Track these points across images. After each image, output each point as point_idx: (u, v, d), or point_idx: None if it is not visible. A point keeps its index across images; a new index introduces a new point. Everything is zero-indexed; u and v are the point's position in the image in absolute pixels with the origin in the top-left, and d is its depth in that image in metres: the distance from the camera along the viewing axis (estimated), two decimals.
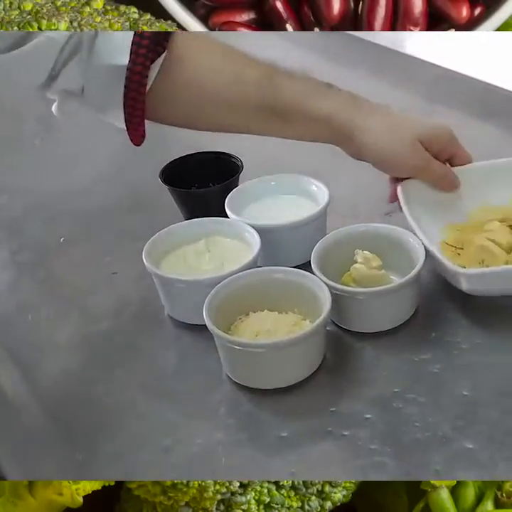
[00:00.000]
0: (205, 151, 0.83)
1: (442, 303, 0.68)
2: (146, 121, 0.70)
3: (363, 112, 0.70)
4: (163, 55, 0.68)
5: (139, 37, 0.66)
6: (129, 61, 0.66)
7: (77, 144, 0.99)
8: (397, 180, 0.74)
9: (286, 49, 1.20)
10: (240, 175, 0.79)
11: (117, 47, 0.66)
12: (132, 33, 0.67)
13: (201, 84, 0.70)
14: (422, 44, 1.11)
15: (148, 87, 0.68)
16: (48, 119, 1.03)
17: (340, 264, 0.67)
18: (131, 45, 0.66)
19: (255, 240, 0.68)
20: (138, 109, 0.68)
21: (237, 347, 0.60)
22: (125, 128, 0.70)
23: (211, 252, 0.69)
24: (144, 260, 0.67)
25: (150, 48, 0.67)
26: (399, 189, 0.72)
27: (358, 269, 0.66)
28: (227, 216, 0.73)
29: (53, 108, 0.72)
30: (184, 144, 0.88)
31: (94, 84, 0.68)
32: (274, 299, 0.65)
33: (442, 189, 0.73)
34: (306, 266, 0.67)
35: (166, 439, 0.58)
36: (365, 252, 0.67)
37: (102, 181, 0.90)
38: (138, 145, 0.73)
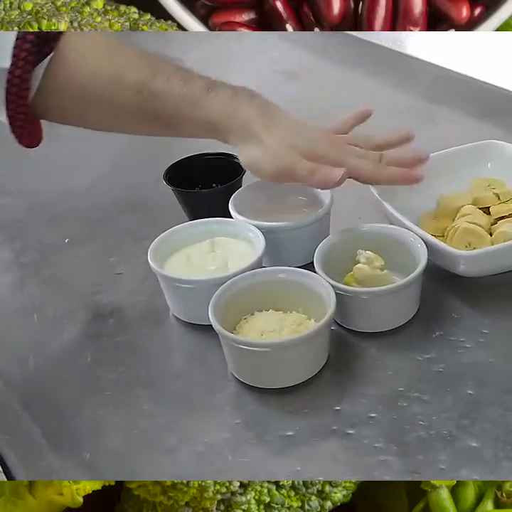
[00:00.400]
0: (208, 152, 0.83)
1: (445, 302, 0.68)
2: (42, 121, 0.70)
3: (239, 116, 0.69)
4: (50, 56, 0.67)
5: (21, 40, 0.65)
6: (11, 64, 0.65)
7: (79, 145, 0.99)
8: None
9: (286, 49, 1.21)
10: (244, 176, 0.79)
11: (1, 48, 0.65)
12: (15, 34, 0.65)
13: (82, 86, 0.69)
14: (422, 44, 1.12)
15: (33, 90, 0.67)
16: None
17: (343, 265, 0.68)
18: (13, 48, 0.65)
19: (260, 241, 0.68)
20: (20, 113, 0.68)
21: (243, 346, 0.60)
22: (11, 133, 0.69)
23: (216, 253, 0.70)
24: (149, 260, 0.68)
25: (31, 51, 0.66)
26: (372, 189, 0.72)
27: (361, 269, 0.66)
28: (231, 217, 0.73)
29: None
30: (188, 145, 0.88)
31: None
32: (279, 299, 0.65)
33: (314, 186, 0.71)
34: (309, 266, 0.67)
35: (171, 439, 0.59)
36: (367, 252, 0.67)
37: (106, 182, 0.91)
38: (29, 147, 0.72)
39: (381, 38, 1.14)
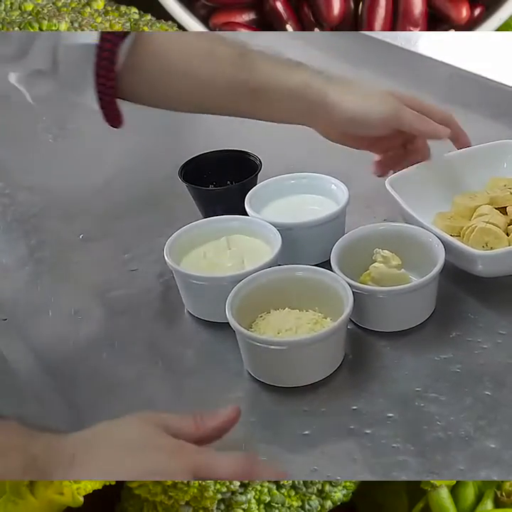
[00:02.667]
0: (224, 149, 0.83)
1: (462, 302, 0.68)
2: (126, 104, 0.70)
3: (334, 81, 0.71)
4: (134, 35, 0.67)
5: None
6: (99, 39, 0.66)
7: (95, 142, 0.99)
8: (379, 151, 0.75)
9: (299, 49, 1.20)
10: (259, 174, 0.79)
11: (85, 33, 0.67)
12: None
13: (171, 62, 0.69)
14: (435, 44, 1.11)
15: (119, 65, 0.67)
16: (60, 118, 1.04)
17: (360, 263, 0.67)
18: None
19: (276, 239, 0.68)
20: (109, 87, 0.68)
21: (260, 344, 0.60)
22: (100, 108, 0.69)
23: (232, 250, 0.69)
24: (165, 257, 0.68)
25: (117, 32, 0.66)
26: (387, 184, 0.72)
27: (378, 268, 0.66)
28: (245, 214, 0.73)
29: (25, 92, 0.71)
30: (203, 142, 0.89)
31: (66, 64, 0.67)
32: (296, 297, 0.65)
33: (422, 134, 0.72)
34: (325, 264, 0.67)
35: None
36: (384, 251, 0.67)
37: (121, 178, 0.91)
38: (115, 127, 0.72)
39: (395, 37, 1.14)
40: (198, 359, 0.66)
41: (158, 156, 0.92)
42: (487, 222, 0.69)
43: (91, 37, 0.66)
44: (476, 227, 0.69)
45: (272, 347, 0.60)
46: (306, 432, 0.58)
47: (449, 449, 0.55)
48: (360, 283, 0.65)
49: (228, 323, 0.61)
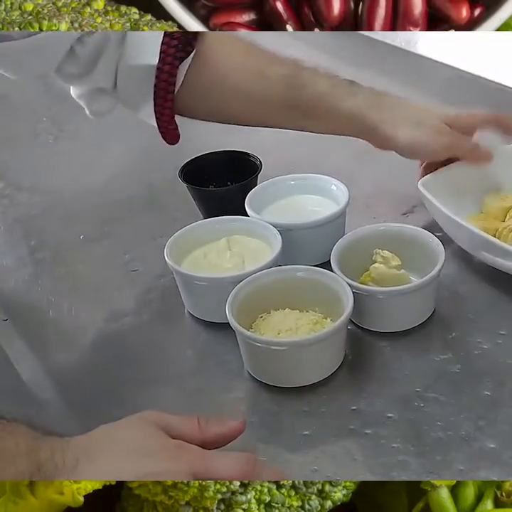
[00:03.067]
0: (224, 150, 0.83)
1: (462, 302, 0.68)
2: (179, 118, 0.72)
3: (386, 105, 0.72)
4: (192, 53, 0.70)
5: (168, 37, 0.69)
6: (159, 61, 0.68)
7: (95, 142, 1.00)
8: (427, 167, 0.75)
9: (298, 49, 1.20)
10: (259, 174, 0.79)
11: (147, 46, 0.69)
12: (162, 33, 0.69)
13: (226, 81, 0.72)
14: (434, 44, 1.12)
15: (177, 86, 0.70)
16: (60, 118, 1.04)
17: (360, 264, 0.68)
18: (161, 44, 0.68)
19: (276, 239, 0.68)
20: (167, 107, 0.70)
21: (260, 344, 0.60)
22: (157, 126, 0.72)
23: (232, 251, 0.69)
24: (166, 258, 0.68)
25: (179, 48, 0.69)
26: (420, 186, 0.73)
27: (378, 269, 0.66)
28: (246, 215, 0.73)
29: (85, 107, 0.75)
30: (203, 143, 0.89)
31: (126, 83, 0.70)
32: (296, 298, 0.65)
33: (475, 163, 0.74)
34: (325, 265, 0.67)
35: None
36: (384, 251, 0.67)
37: (122, 179, 0.91)
38: (172, 143, 0.75)
39: (395, 37, 1.14)
40: (199, 359, 0.66)
41: (159, 156, 0.92)
42: None
43: (152, 58, 0.69)
44: None
45: (273, 347, 0.60)
46: (306, 432, 0.58)
47: (448, 449, 0.55)
48: (361, 283, 0.65)
49: (228, 323, 0.61)
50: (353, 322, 0.66)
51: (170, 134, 0.74)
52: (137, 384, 0.64)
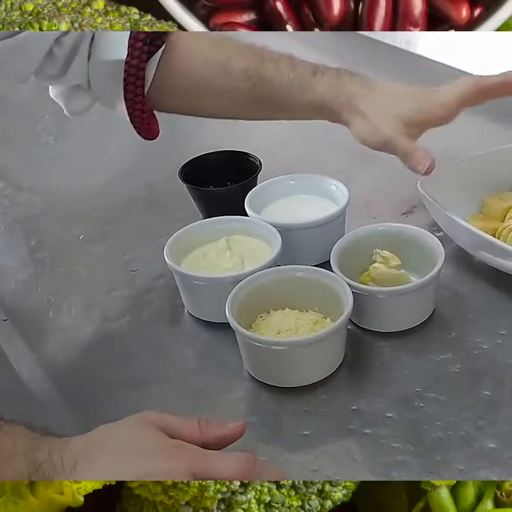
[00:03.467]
0: (224, 150, 0.83)
1: (461, 302, 0.68)
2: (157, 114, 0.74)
3: (346, 93, 0.72)
4: (162, 48, 0.70)
5: (136, 33, 0.69)
6: (127, 55, 0.69)
7: (92, 142, 1.00)
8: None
9: (298, 50, 1.20)
10: (259, 174, 0.79)
11: (116, 42, 0.69)
12: (128, 32, 0.70)
13: (193, 76, 0.73)
14: (432, 44, 1.11)
15: (148, 81, 0.71)
16: (60, 118, 1.04)
17: (359, 264, 0.68)
18: (129, 39, 0.69)
19: (276, 239, 0.68)
20: (138, 102, 0.71)
21: (260, 344, 0.60)
22: (130, 122, 0.73)
23: (232, 251, 0.69)
24: (166, 258, 0.68)
25: (146, 41, 0.70)
26: (419, 187, 0.73)
27: (377, 269, 0.66)
28: (245, 215, 0.73)
29: (63, 106, 0.75)
30: (203, 143, 0.89)
31: (99, 80, 0.71)
32: (295, 298, 0.65)
33: (411, 168, 0.72)
34: (325, 265, 0.67)
35: None
36: (384, 251, 0.67)
37: (121, 179, 0.91)
38: (149, 139, 0.76)
39: (395, 38, 1.14)
40: (198, 359, 0.66)
41: (159, 157, 0.92)
42: None
43: (121, 53, 0.69)
44: None
45: (272, 347, 0.60)
46: (306, 432, 0.58)
47: (448, 449, 0.55)
48: (360, 283, 0.65)
49: (228, 323, 0.61)
50: (352, 322, 0.66)
51: (144, 129, 0.74)
52: (137, 384, 0.64)
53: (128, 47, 0.69)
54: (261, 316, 0.65)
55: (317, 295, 0.64)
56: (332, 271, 0.65)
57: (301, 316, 0.64)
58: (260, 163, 0.80)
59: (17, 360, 0.67)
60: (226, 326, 0.62)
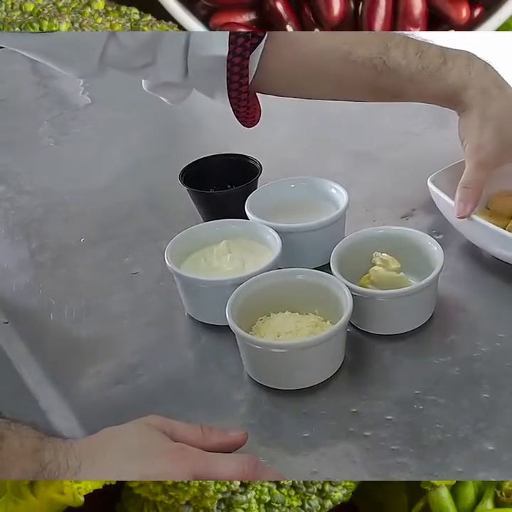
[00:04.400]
0: (224, 153, 0.83)
1: (460, 305, 0.68)
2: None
3: (479, 90, 0.71)
4: (264, 38, 0.69)
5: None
6: (229, 52, 0.68)
7: (96, 145, 1.00)
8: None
9: None
10: (259, 177, 0.79)
11: (214, 38, 0.69)
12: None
13: (308, 62, 0.71)
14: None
15: (251, 74, 0.70)
16: (60, 121, 1.04)
17: (359, 267, 0.68)
18: (230, 35, 0.68)
19: (276, 242, 0.69)
20: (242, 99, 0.70)
21: (260, 347, 0.60)
22: (234, 114, 0.73)
23: (232, 254, 0.70)
24: (166, 260, 0.68)
25: (247, 36, 0.68)
26: (429, 183, 0.73)
27: (377, 272, 0.67)
28: (246, 218, 0.73)
29: (162, 98, 0.76)
30: (203, 146, 0.89)
31: (198, 73, 0.70)
32: (295, 300, 0.65)
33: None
34: (325, 268, 0.67)
35: None
36: (383, 254, 0.67)
37: (122, 182, 0.91)
38: (249, 127, 0.75)
39: None
40: (199, 362, 0.67)
41: (159, 160, 0.92)
42: None
43: (220, 49, 0.68)
44: None
45: (272, 350, 0.60)
46: (306, 434, 0.58)
47: (447, 452, 0.55)
48: (360, 286, 0.66)
49: (228, 326, 0.62)
50: (352, 325, 0.66)
51: (249, 119, 0.74)
52: (137, 386, 0.64)
53: (229, 43, 0.68)
54: (261, 319, 0.65)
55: (317, 298, 0.65)
56: (332, 274, 0.65)
57: (301, 319, 0.64)
58: (260, 166, 0.80)
59: (18, 363, 0.67)
60: (226, 328, 0.62)
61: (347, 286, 0.63)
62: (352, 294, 0.63)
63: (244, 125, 0.75)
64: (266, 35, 0.69)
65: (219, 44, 0.68)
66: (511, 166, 0.77)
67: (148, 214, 0.85)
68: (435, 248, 0.67)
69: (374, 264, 0.67)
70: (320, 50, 0.71)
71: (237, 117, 0.73)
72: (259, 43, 0.69)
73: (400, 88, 0.72)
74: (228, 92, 0.70)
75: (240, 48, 0.68)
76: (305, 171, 0.81)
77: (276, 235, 0.69)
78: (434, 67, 0.71)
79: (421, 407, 0.59)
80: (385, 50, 0.71)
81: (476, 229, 0.71)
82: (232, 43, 0.68)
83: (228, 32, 0.68)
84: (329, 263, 0.66)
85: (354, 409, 0.59)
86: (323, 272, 0.65)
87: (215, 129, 0.95)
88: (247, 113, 0.73)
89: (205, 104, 0.82)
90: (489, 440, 0.56)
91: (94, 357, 0.68)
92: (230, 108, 0.72)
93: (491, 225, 0.69)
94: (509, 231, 0.71)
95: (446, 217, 0.74)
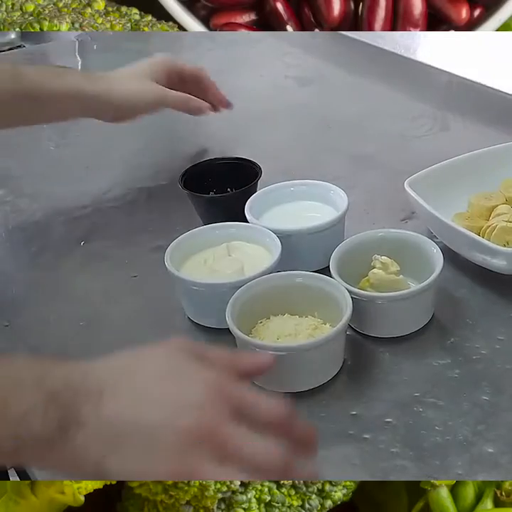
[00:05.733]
0: (224, 156, 0.83)
1: (460, 308, 0.69)
2: None
3: (101, 78, 0.78)
4: None
5: None
6: None
7: (92, 149, 1.00)
8: None
9: (298, 55, 1.21)
10: (259, 181, 0.80)
11: None
12: None
13: None
14: (430, 50, 1.12)
15: None
16: (61, 125, 1.04)
17: (359, 269, 0.68)
18: None
19: (276, 245, 0.69)
20: None
21: (259, 350, 0.60)
22: None
23: (232, 257, 0.70)
24: (166, 263, 0.68)
25: None
26: (406, 186, 0.74)
27: (376, 274, 0.67)
28: (246, 221, 0.74)
29: None
30: (203, 149, 0.89)
31: None
32: (295, 303, 0.65)
33: (190, 113, 0.82)
34: (324, 271, 0.67)
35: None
36: (383, 257, 0.67)
37: (122, 185, 0.91)
38: None
39: (394, 45, 1.14)
40: None
41: (159, 163, 0.93)
42: (508, 221, 0.71)
43: None
44: (496, 226, 0.71)
45: (272, 353, 0.60)
46: None
47: (447, 454, 0.56)
48: (359, 289, 0.66)
49: (228, 328, 0.62)
50: (352, 327, 0.66)
51: None
52: None
53: None
54: (261, 322, 0.65)
55: (317, 301, 0.65)
56: (331, 277, 0.65)
57: (300, 322, 0.64)
58: (260, 169, 0.81)
59: None
60: (226, 331, 0.62)
61: (346, 289, 0.64)
62: (351, 297, 0.63)
63: None
64: None
65: None
66: (489, 167, 0.77)
67: (147, 217, 0.85)
68: (434, 251, 0.67)
69: (373, 267, 0.67)
70: None
71: None
72: None
73: (31, 92, 0.76)
74: None
75: None
76: (305, 174, 0.81)
77: (276, 238, 0.69)
78: (54, 71, 0.78)
79: (420, 409, 0.59)
80: (14, 65, 0.77)
81: (449, 233, 0.71)
82: None
83: None
84: (329, 266, 0.67)
85: (354, 412, 0.60)
86: (322, 275, 0.66)
87: (215, 133, 0.95)
88: None
89: None
90: (489, 442, 0.56)
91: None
92: None
93: (462, 229, 0.69)
94: (484, 233, 0.71)
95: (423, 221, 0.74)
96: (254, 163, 0.82)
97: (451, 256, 0.71)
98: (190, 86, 0.84)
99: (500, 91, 1.01)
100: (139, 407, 0.44)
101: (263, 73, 1.15)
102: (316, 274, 0.66)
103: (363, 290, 0.66)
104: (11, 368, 0.44)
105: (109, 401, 0.43)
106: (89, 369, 0.45)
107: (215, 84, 0.86)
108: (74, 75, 0.78)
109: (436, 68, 1.09)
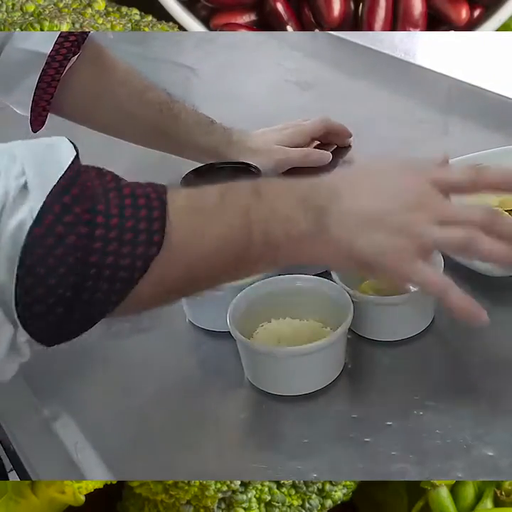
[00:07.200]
0: (224, 161, 0.83)
1: None
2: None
3: (234, 140, 0.82)
4: (78, 54, 0.72)
5: (67, 32, 0.71)
6: (52, 50, 0.70)
7: (93, 152, 0.99)
8: None
9: (298, 59, 1.21)
10: None
11: (39, 35, 0.70)
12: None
13: (107, 93, 0.76)
14: (431, 54, 1.12)
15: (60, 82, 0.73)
16: (60, 129, 1.04)
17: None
18: (58, 36, 0.70)
19: None
20: (45, 99, 0.73)
21: (260, 353, 0.60)
22: (26, 113, 0.75)
23: None
24: None
25: (74, 44, 0.71)
26: None
27: None
28: None
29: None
30: None
31: (5, 64, 0.72)
32: (296, 307, 0.65)
33: (313, 165, 0.83)
34: (325, 274, 0.68)
35: (189, 442, 0.59)
36: None
37: None
38: (35, 132, 0.78)
39: (394, 48, 1.15)
40: (200, 368, 0.67)
41: (159, 167, 0.92)
42: None
43: (43, 46, 0.70)
44: None
45: (273, 356, 0.60)
46: (306, 440, 0.58)
47: (447, 457, 0.56)
48: (360, 292, 0.66)
49: (229, 332, 0.62)
50: (352, 331, 0.66)
51: (37, 123, 0.77)
52: (138, 392, 0.64)
53: (55, 43, 0.69)
54: (262, 325, 0.65)
55: (317, 304, 0.65)
56: (332, 280, 0.65)
57: (301, 325, 0.64)
58: (260, 173, 0.80)
59: (21, 365, 0.67)
60: (227, 334, 0.62)
61: (347, 292, 0.64)
62: (352, 301, 0.63)
63: (32, 127, 0.77)
64: (79, 52, 0.73)
65: (41, 41, 0.70)
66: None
67: None
68: (435, 254, 0.67)
69: None
70: (119, 83, 0.77)
71: (31, 117, 0.76)
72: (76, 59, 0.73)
73: (176, 134, 0.80)
74: (36, 86, 0.72)
75: (65, 50, 0.70)
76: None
77: None
78: (203, 126, 0.80)
79: (421, 413, 0.59)
80: (170, 99, 0.79)
81: None
82: (58, 43, 0.70)
83: (59, 34, 0.71)
84: (329, 269, 0.67)
85: (354, 415, 0.60)
86: (323, 279, 0.66)
87: None
88: (40, 116, 0.76)
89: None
90: (489, 446, 0.56)
91: (93, 364, 0.68)
92: (19, 108, 0.75)
93: None
94: None
95: None
96: (254, 167, 0.81)
97: (452, 259, 0.71)
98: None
99: (501, 95, 1.01)
100: (374, 201, 0.53)
101: (263, 77, 1.16)
102: (317, 277, 0.66)
103: (364, 294, 0.66)
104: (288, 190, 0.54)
105: (350, 198, 0.52)
106: (326, 180, 0.55)
107: (342, 126, 0.91)
108: (217, 134, 0.81)
109: (437, 73, 1.09)
